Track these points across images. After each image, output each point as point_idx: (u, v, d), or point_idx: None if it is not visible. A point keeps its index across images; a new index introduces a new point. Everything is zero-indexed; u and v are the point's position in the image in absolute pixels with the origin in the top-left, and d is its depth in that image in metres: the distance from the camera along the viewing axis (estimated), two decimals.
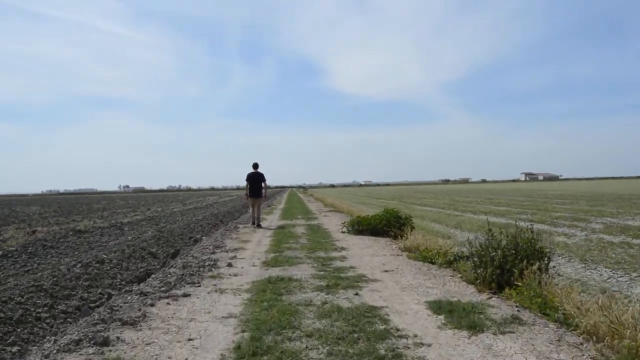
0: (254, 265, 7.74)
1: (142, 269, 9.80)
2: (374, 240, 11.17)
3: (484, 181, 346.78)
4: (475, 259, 6.25)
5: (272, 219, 19.26)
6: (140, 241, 13.06)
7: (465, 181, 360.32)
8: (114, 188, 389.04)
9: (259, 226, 15.73)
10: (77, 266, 9.05)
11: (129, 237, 15.27)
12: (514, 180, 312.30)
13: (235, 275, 6.90)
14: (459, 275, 6.81)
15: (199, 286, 6.13)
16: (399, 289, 5.95)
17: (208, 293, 5.74)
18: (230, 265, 7.67)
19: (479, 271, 6.13)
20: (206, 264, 7.74)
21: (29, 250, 13.29)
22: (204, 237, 15.34)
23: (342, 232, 12.71)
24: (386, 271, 7.12)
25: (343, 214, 21.48)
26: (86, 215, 29.90)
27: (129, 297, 5.60)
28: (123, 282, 8.67)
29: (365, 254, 8.90)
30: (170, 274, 6.98)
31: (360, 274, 6.90)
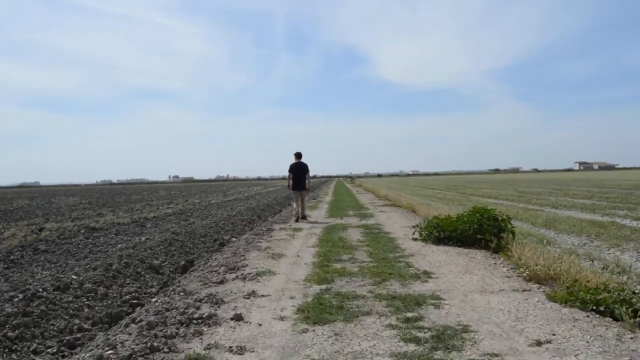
0: (282, 319, 4.28)
1: (128, 296, 6.63)
2: (467, 255, 7.58)
3: (535, 170, 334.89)
4: None
5: (317, 216, 15.89)
6: (143, 249, 9.92)
7: (516, 170, 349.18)
8: (164, 178, 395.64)
9: (303, 219, 14.56)
10: (16, 299, 5.91)
11: (143, 239, 12.28)
12: (568, 170, 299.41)
13: (240, 351, 3.49)
14: None
15: None
16: None
17: None
18: (238, 318, 4.24)
19: None
20: (197, 313, 4.37)
21: (11, 258, 10.44)
22: (233, 239, 12.29)
23: (415, 240, 9.19)
24: (539, 344, 3.58)
25: (402, 208, 17.91)
26: (117, 207, 27.42)
27: None
28: (87, 324, 5.52)
29: (470, 288, 5.35)
30: (111, 347, 3.61)
31: (490, 354, 3.42)
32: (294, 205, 15.19)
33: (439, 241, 8.68)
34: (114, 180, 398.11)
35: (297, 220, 14.34)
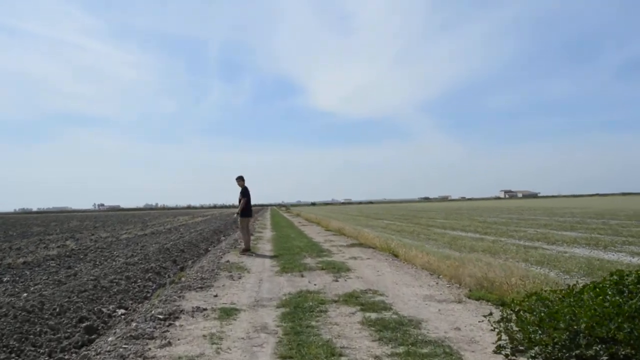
0: None
1: None
2: None
3: (463, 198, 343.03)
4: None
5: (260, 266, 10.63)
6: None
7: (445, 199, 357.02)
8: (89, 206, 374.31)
9: (247, 251, 13.19)
10: None
11: None
12: (496, 198, 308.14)
13: None
14: None
15: None
16: None
17: None
18: None
19: None
20: None
21: None
22: (119, 311, 7.10)
23: (507, 358, 4.11)
24: None
25: (377, 251, 12.91)
26: None
27: None
28: None
29: None
30: None
31: None
32: (244, 235, 13.68)
33: None
34: (34, 209, 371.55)
35: (246, 251, 13.17)
